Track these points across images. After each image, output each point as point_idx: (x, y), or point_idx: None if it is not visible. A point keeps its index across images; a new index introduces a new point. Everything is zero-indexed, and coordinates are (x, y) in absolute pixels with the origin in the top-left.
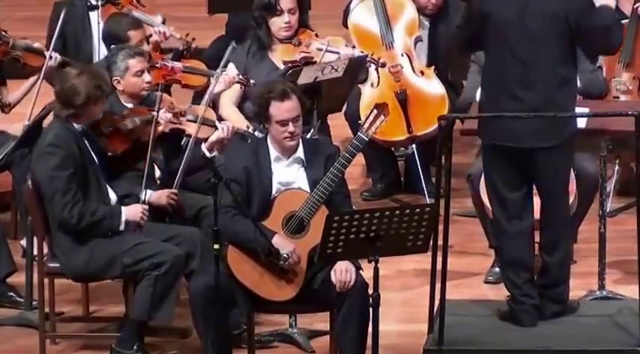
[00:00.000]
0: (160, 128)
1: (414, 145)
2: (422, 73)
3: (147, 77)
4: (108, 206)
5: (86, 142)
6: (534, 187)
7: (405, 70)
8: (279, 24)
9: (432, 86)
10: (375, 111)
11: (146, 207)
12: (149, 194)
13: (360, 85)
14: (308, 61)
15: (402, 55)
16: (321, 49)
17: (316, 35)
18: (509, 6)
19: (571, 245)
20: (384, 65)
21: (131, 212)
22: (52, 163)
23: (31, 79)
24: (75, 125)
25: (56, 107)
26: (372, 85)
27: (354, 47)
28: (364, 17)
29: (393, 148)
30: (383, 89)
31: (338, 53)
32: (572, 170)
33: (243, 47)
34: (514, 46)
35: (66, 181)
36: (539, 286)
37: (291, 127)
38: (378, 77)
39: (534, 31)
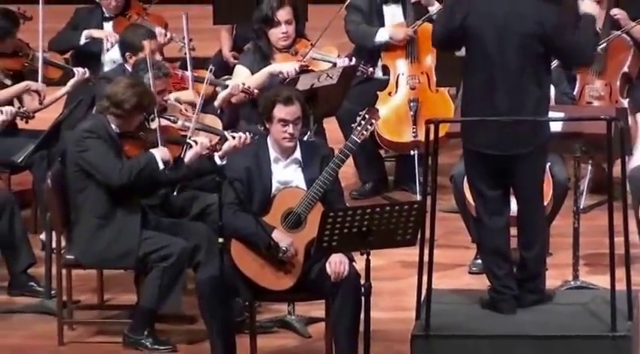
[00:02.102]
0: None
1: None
2: (437, 90)
3: (166, 95)
4: (142, 155)
5: (117, 141)
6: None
7: (421, 85)
8: (277, 34)
9: (442, 101)
10: (367, 116)
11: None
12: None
13: (378, 92)
14: (304, 70)
15: (422, 73)
16: (316, 58)
17: (312, 45)
18: (489, 23)
19: (546, 241)
20: (372, 74)
21: (162, 153)
22: (94, 143)
23: (59, 93)
24: (112, 126)
25: (102, 106)
26: (389, 93)
27: (346, 57)
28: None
29: (382, 151)
30: (400, 98)
31: (332, 62)
32: (548, 174)
33: (247, 54)
34: (493, 61)
35: (109, 151)
36: (518, 279)
37: (290, 129)
38: (397, 87)
39: (512, 48)
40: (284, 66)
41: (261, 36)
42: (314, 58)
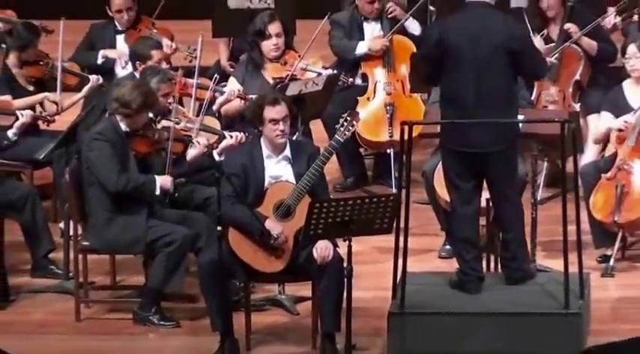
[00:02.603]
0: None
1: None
2: (410, 96)
3: (170, 98)
4: (145, 175)
5: (126, 140)
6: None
7: (396, 91)
8: (268, 46)
9: (415, 106)
10: (348, 118)
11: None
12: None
13: (358, 97)
14: (293, 78)
15: (397, 81)
16: (304, 69)
17: (300, 56)
18: (464, 37)
19: (524, 225)
20: (353, 84)
21: (163, 181)
22: (100, 146)
23: (75, 97)
24: (122, 125)
25: (112, 107)
26: (368, 98)
27: (329, 67)
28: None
29: (361, 149)
30: (377, 102)
31: (317, 72)
32: None
33: (241, 65)
34: (467, 70)
35: (112, 158)
36: (502, 258)
37: (281, 126)
38: (375, 93)
39: (484, 59)
40: None
41: (254, 47)
42: (302, 69)
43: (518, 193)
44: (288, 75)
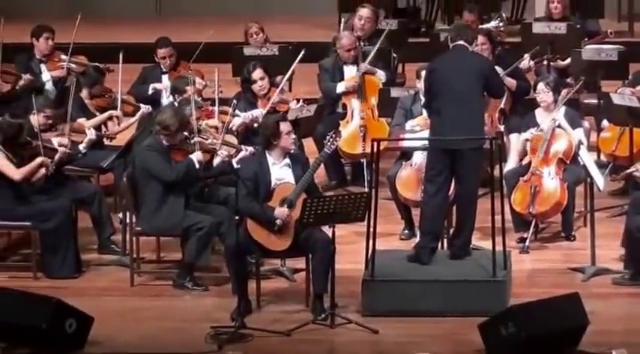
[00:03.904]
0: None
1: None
2: (378, 120)
3: (200, 121)
4: (183, 162)
5: (167, 151)
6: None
7: (368, 116)
8: (256, 88)
9: (382, 127)
10: (333, 136)
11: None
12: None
13: (340, 121)
14: (276, 109)
15: (368, 109)
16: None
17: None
18: (449, 72)
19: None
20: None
21: (197, 156)
22: (151, 154)
23: (131, 121)
24: (163, 141)
25: (156, 128)
26: (347, 121)
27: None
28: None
29: (342, 159)
30: (354, 124)
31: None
32: None
33: (242, 102)
34: (451, 92)
35: (160, 159)
36: (454, 238)
37: (292, 135)
38: (352, 118)
39: (464, 84)
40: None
41: (245, 91)
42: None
43: (477, 190)
44: (273, 107)
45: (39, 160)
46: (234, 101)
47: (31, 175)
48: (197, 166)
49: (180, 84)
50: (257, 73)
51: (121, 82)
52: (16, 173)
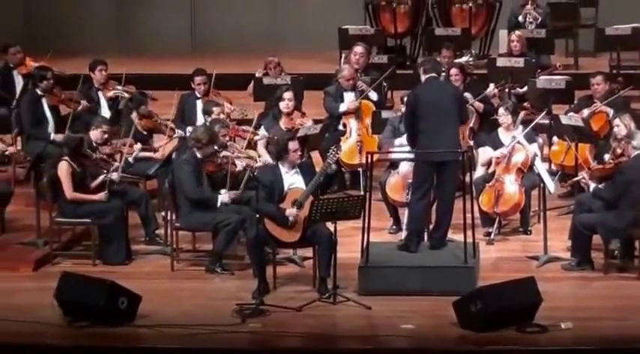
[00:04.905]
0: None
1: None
2: (372, 136)
3: (226, 137)
4: (212, 192)
5: (200, 163)
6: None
7: (363, 133)
8: (283, 105)
9: (374, 142)
10: (335, 149)
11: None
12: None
13: (341, 137)
14: (296, 128)
15: (364, 127)
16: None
17: (303, 114)
18: (430, 99)
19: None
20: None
21: (223, 197)
22: (186, 168)
23: (172, 143)
24: (197, 154)
25: (191, 143)
26: (346, 137)
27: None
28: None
29: (342, 168)
30: (352, 140)
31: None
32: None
33: (266, 117)
34: (433, 114)
35: (192, 176)
36: (434, 233)
37: (299, 151)
38: (350, 134)
39: (444, 108)
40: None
41: (275, 105)
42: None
43: (454, 195)
44: (293, 127)
45: (95, 197)
46: (262, 123)
47: (82, 202)
48: (218, 205)
49: (210, 107)
50: (287, 94)
51: (160, 106)
52: (69, 193)
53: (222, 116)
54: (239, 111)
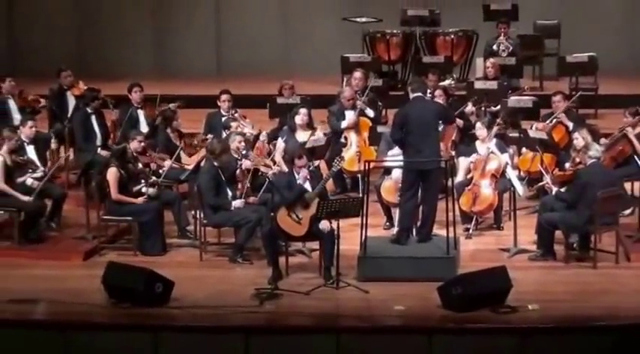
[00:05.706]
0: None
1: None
2: (369, 147)
3: (242, 147)
4: (227, 200)
5: (220, 171)
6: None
7: (362, 145)
8: (298, 119)
9: (371, 152)
10: (338, 159)
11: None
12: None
13: (343, 148)
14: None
15: (362, 139)
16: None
17: (314, 129)
18: (417, 115)
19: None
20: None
21: (238, 203)
22: (206, 176)
23: (201, 153)
24: (215, 163)
25: (207, 154)
26: (347, 149)
27: (326, 134)
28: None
29: (344, 174)
30: (352, 151)
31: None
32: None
33: (283, 131)
34: (419, 128)
35: (210, 183)
36: (421, 228)
37: (305, 170)
38: (350, 146)
39: (428, 122)
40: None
41: (292, 118)
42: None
43: (438, 196)
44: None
45: (136, 200)
46: (280, 137)
47: (125, 203)
48: (232, 209)
49: (228, 122)
50: (303, 110)
51: (189, 122)
52: (115, 194)
53: (239, 129)
54: (251, 125)
